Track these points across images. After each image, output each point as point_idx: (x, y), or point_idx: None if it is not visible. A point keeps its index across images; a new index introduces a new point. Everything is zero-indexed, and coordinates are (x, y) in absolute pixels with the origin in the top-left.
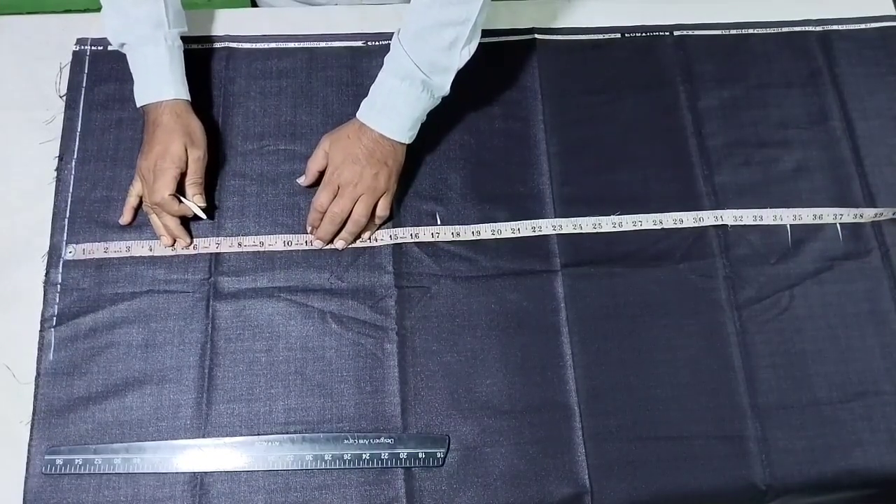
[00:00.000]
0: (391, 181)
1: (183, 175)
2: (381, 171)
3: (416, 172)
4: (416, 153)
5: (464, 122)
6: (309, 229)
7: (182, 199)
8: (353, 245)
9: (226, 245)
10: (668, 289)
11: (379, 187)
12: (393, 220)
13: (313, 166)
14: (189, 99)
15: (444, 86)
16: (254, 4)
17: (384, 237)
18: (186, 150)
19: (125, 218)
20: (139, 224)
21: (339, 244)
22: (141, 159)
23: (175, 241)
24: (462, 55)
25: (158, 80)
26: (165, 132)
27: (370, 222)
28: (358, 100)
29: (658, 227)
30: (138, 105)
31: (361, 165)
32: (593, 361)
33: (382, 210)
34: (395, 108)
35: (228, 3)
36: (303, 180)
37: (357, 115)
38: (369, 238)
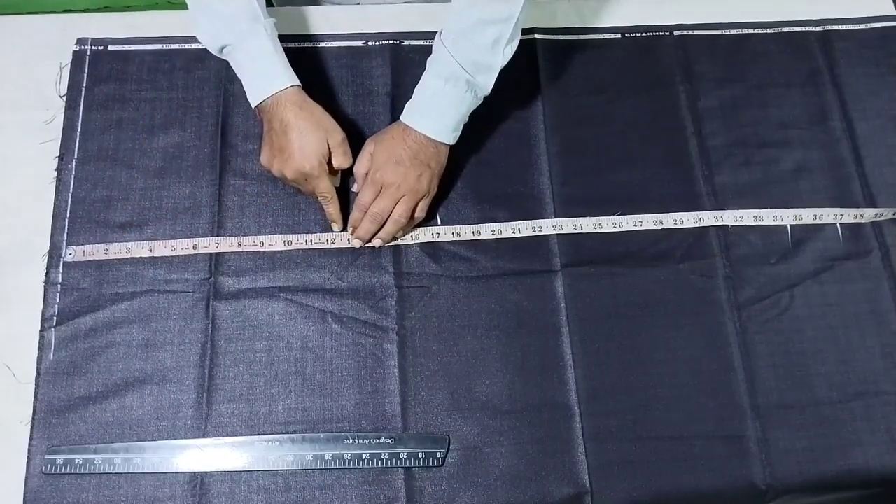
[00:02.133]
0: (433, 183)
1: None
2: (424, 173)
3: None
4: None
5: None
6: (350, 230)
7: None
8: (354, 245)
9: (226, 245)
10: (668, 289)
11: (421, 189)
12: (430, 222)
13: (360, 169)
14: (300, 84)
15: (487, 85)
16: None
17: None
18: (327, 143)
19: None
20: (139, 224)
21: (376, 242)
22: (282, 165)
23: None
24: (505, 53)
25: (269, 72)
26: (298, 133)
27: (408, 223)
28: (358, 100)
29: (658, 227)
30: (255, 104)
31: (405, 167)
32: (593, 361)
33: (421, 212)
34: (439, 109)
35: None
36: (355, 187)
37: (401, 117)
38: (404, 237)
